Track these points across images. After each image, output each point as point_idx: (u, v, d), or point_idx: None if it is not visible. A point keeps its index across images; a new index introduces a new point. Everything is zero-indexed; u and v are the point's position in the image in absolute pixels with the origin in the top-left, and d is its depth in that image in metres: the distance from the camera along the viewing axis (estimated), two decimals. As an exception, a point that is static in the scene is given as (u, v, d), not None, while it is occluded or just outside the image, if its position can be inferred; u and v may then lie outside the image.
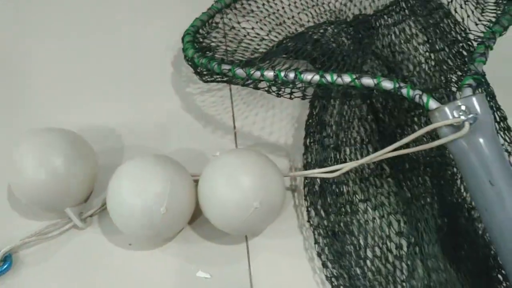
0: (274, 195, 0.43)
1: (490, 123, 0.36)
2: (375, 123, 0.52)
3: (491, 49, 0.41)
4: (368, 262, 0.44)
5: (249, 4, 0.65)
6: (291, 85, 0.43)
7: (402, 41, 0.51)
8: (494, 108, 0.47)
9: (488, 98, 0.47)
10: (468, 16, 0.48)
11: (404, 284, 0.42)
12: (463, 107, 0.36)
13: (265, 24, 0.63)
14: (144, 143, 0.54)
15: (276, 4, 0.66)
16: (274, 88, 0.44)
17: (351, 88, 0.40)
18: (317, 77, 0.41)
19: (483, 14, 0.48)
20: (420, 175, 0.47)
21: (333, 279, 0.43)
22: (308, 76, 0.41)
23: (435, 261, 0.41)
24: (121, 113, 0.56)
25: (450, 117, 0.36)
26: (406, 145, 0.41)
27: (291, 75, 0.41)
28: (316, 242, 0.45)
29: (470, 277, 0.42)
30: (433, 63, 0.48)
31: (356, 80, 0.39)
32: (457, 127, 0.36)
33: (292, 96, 0.45)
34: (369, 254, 0.44)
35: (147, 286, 0.45)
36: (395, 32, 0.52)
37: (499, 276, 0.41)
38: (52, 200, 0.44)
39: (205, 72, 0.50)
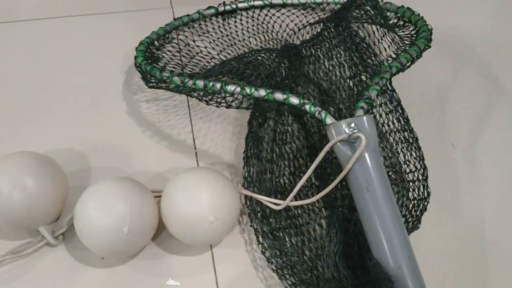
0: (229, 209, 0.47)
1: (374, 140, 0.43)
2: (305, 140, 0.58)
3: (387, 79, 0.48)
4: (305, 257, 0.49)
5: (206, 25, 0.72)
6: (218, 95, 0.49)
7: (327, 68, 0.58)
8: (408, 130, 0.54)
9: (403, 122, 0.54)
10: (382, 52, 0.55)
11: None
12: (352, 124, 0.42)
13: (217, 45, 0.69)
14: (109, 163, 0.57)
15: (230, 27, 0.73)
16: (204, 98, 0.51)
17: (264, 100, 0.46)
18: (238, 89, 0.47)
19: (396, 51, 0.56)
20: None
21: (278, 271, 0.48)
22: (231, 88, 0.47)
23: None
24: (86, 136, 0.60)
25: (343, 132, 0.43)
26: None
27: (218, 85, 0.47)
28: (258, 243, 0.50)
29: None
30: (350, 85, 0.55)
31: (269, 94, 0.46)
32: (349, 143, 0.43)
33: (219, 106, 0.51)
34: (307, 252, 0.50)
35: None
36: (320, 61, 0.59)
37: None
38: (26, 220, 0.46)
39: (151, 79, 0.55)
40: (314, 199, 0.47)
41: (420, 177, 0.52)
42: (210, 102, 0.51)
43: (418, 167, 0.52)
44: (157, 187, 0.51)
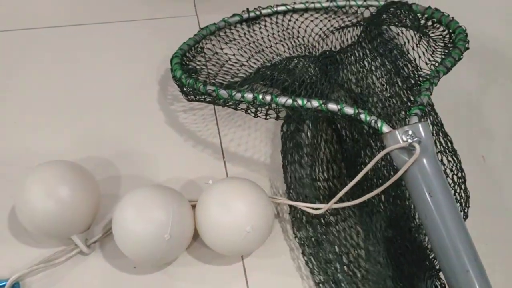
0: (264, 219, 0.48)
1: (431, 146, 0.44)
2: (338, 145, 0.59)
3: (435, 85, 0.48)
4: (345, 267, 0.50)
5: (232, 33, 0.72)
6: (267, 107, 0.49)
7: (363, 75, 0.58)
8: (442, 134, 0.54)
9: (438, 126, 0.55)
10: (420, 57, 0.56)
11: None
12: (410, 132, 0.43)
13: (245, 52, 0.70)
14: (137, 172, 0.57)
15: (256, 34, 0.73)
16: (252, 109, 0.51)
17: (318, 111, 0.47)
18: (289, 101, 0.47)
19: (433, 55, 0.57)
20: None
21: (320, 285, 0.49)
22: (282, 100, 0.47)
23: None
24: (116, 145, 0.59)
25: (400, 140, 0.43)
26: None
27: (268, 97, 0.48)
28: (302, 252, 0.51)
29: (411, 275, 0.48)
30: (388, 94, 0.55)
31: (323, 105, 0.46)
32: (407, 149, 0.43)
33: (268, 117, 0.51)
34: (345, 260, 0.50)
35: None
36: (356, 67, 0.60)
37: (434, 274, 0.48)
38: (60, 228, 0.47)
39: (190, 92, 0.55)
40: (361, 200, 0.47)
41: (457, 180, 0.52)
42: (259, 114, 0.51)
43: (455, 170, 0.53)
44: (187, 195, 0.51)
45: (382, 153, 0.44)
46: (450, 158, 0.53)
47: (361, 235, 0.52)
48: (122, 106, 0.64)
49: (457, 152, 0.53)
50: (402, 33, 0.58)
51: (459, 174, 0.52)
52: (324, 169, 0.58)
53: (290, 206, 0.54)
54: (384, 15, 0.61)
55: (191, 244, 0.51)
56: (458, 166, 0.52)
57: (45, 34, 0.72)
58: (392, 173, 0.54)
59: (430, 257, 0.48)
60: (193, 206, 0.50)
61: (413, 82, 0.53)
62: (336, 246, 0.51)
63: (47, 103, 0.63)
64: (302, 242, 0.52)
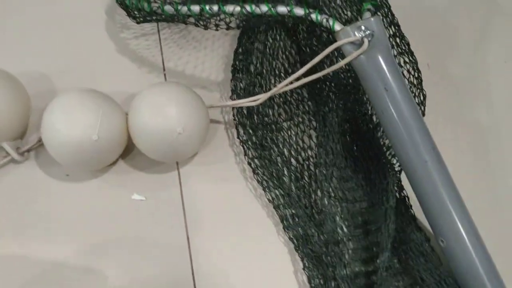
0: (197, 122, 0.47)
1: (385, 41, 0.43)
2: (297, 55, 0.57)
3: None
4: (292, 167, 0.50)
5: None
6: (216, 18, 0.47)
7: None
8: (399, 36, 0.53)
9: (396, 27, 0.53)
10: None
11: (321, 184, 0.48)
12: (362, 27, 0.42)
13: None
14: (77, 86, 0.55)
15: None
16: (201, 22, 0.49)
17: (268, 16, 0.45)
18: (238, 8, 0.45)
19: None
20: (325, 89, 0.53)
21: (264, 182, 0.49)
22: (230, 8, 0.45)
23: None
24: (54, 59, 0.57)
25: (352, 36, 0.42)
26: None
27: (215, 8, 0.45)
28: (245, 154, 0.51)
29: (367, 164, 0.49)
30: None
31: (272, 9, 0.44)
32: (359, 45, 0.42)
33: (218, 28, 0.49)
34: (293, 162, 0.51)
35: (85, 213, 0.49)
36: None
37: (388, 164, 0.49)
38: None
39: (136, 14, 0.52)
40: (298, 80, 0.46)
41: (414, 81, 0.51)
42: (209, 26, 0.49)
43: (412, 71, 0.51)
44: (125, 109, 0.50)
45: (333, 46, 0.43)
46: (407, 59, 0.52)
47: (312, 139, 0.52)
48: (61, 22, 0.61)
49: (414, 54, 0.52)
50: None
51: (416, 75, 0.51)
52: (281, 79, 0.56)
53: (235, 111, 0.53)
54: None
55: (128, 153, 0.52)
56: (415, 67, 0.51)
57: None
58: (351, 81, 0.53)
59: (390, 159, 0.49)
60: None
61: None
62: (285, 150, 0.51)
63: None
64: (247, 145, 0.51)
